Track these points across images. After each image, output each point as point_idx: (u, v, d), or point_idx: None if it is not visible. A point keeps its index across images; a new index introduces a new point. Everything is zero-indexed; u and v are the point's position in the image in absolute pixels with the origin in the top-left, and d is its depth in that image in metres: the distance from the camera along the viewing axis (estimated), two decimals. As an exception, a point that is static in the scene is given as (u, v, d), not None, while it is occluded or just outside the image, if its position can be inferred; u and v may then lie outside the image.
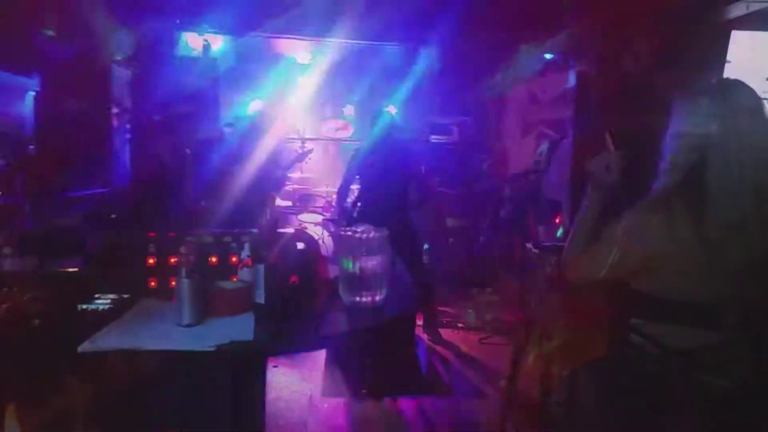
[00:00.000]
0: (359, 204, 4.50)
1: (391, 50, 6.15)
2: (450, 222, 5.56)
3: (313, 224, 6.20)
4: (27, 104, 3.83)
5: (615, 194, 1.76)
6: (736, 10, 3.64)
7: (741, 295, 1.55)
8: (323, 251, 5.39)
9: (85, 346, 1.49)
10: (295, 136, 7.10)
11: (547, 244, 4.36)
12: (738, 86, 1.66)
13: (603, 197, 1.74)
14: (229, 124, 4.52)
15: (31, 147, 3.82)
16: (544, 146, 5.36)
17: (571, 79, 4.78)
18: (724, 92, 1.61)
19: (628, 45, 4.52)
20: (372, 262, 1.90)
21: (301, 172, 6.72)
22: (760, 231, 1.51)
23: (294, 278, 1.85)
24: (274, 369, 3.80)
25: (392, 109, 5.87)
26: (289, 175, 5.95)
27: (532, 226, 5.17)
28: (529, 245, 4.59)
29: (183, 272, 1.67)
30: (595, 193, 1.75)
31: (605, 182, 1.72)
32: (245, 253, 1.92)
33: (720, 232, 1.51)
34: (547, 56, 5.34)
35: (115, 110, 4.88)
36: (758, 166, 1.53)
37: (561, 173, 4.48)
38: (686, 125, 1.61)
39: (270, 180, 3.51)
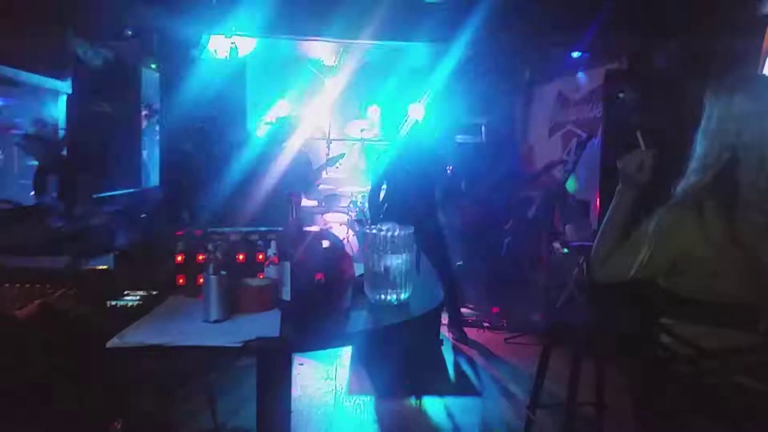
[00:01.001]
0: (386, 205, 4.51)
1: (417, 50, 6.14)
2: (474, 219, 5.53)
3: (339, 224, 6.22)
4: (60, 107, 3.92)
5: (646, 193, 1.72)
6: (771, 6, 3.55)
7: None
8: (348, 250, 5.42)
9: (113, 342, 1.51)
10: (321, 137, 7.16)
11: (574, 243, 4.32)
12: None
13: (634, 196, 1.70)
14: (268, 122, 4.56)
15: (64, 148, 3.91)
16: (572, 145, 5.30)
17: (601, 78, 4.72)
18: (758, 89, 1.57)
19: (659, 42, 4.46)
20: (397, 260, 1.90)
21: (326, 173, 6.75)
22: None
23: (320, 275, 1.86)
24: (300, 366, 3.84)
25: (418, 110, 5.87)
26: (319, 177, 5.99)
27: (558, 225, 5.12)
28: (556, 245, 4.55)
29: (210, 269, 1.69)
30: (625, 191, 1.71)
31: (637, 181, 1.69)
32: (272, 250, 1.93)
33: (752, 233, 1.48)
34: (576, 55, 5.28)
35: (144, 112, 4.98)
36: None
37: (590, 173, 4.42)
38: (717, 123, 1.57)
39: (298, 180, 3.54)
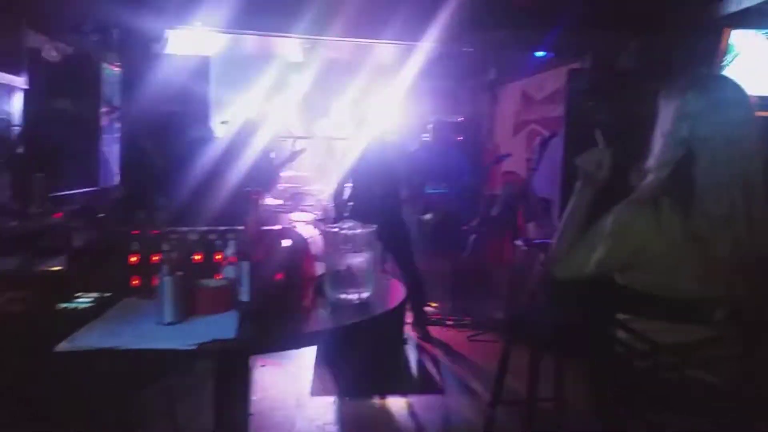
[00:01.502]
0: (351, 203, 4.50)
1: (384, 48, 6.14)
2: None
3: (305, 223, 6.18)
4: (15, 102, 3.80)
5: (604, 191, 1.75)
6: (729, 7, 3.64)
7: (729, 291, 1.55)
8: (313, 249, 5.38)
9: (62, 346, 1.47)
10: (287, 135, 7.09)
11: (537, 241, 4.36)
12: (722, 80, 1.65)
13: (592, 193, 1.73)
14: (225, 122, 4.49)
15: (19, 145, 3.79)
16: (536, 144, 5.36)
17: (564, 77, 4.78)
18: (709, 87, 1.60)
19: (621, 42, 4.54)
20: (358, 259, 1.89)
21: (293, 171, 6.69)
22: (748, 226, 1.50)
23: (280, 276, 1.83)
24: (262, 368, 3.79)
25: (384, 108, 5.86)
26: (281, 174, 5.92)
27: (521, 223, 5.17)
28: (519, 242, 4.59)
29: (165, 270, 1.65)
30: (584, 189, 1.73)
31: (595, 178, 1.71)
32: (230, 250, 1.90)
33: (707, 228, 1.50)
34: (540, 54, 5.34)
35: (104, 109, 4.86)
36: (745, 160, 1.52)
37: (552, 171, 4.47)
38: (672, 121, 1.60)
39: (258, 178, 3.49)
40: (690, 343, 1.58)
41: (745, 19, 3.54)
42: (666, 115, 1.63)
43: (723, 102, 1.55)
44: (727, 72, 3.47)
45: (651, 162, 1.64)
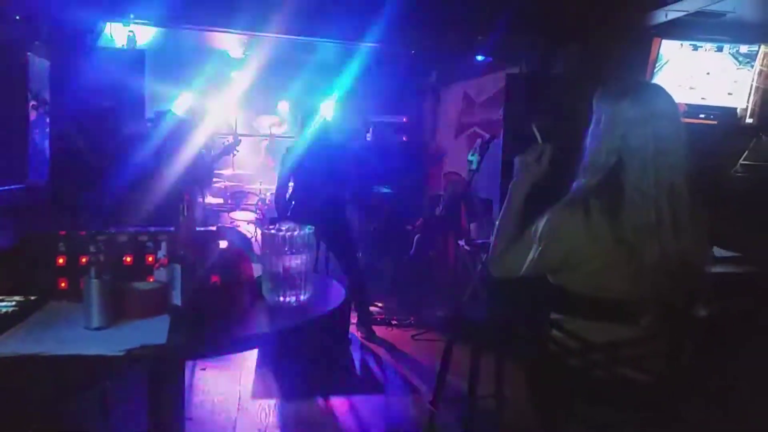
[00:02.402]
0: (293, 203, 4.44)
1: (327, 47, 6.09)
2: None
3: (246, 222, 6.08)
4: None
5: (542, 191, 1.79)
6: (656, 18, 3.79)
7: (657, 294, 1.61)
8: (256, 249, 5.30)
9: (-20, 353, 1.38)
10: (228, 131, 6.95)
11: (478, 241, 4.43)
12: (656, 90, 1.70)
13: (528, 188, 1.77)
14: (151, 120, 4.35)
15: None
16: (477, 146, 5.44)
17: (503, 81, 4.88)
18: (644, 96, 1.64)
19: (557, 47, 4.66)
20: (296, 261, 1.86)
21: (233, 169, 6.57)
22: (674, 234, 1.56)
23: (215, 278, 1.78)
24: (202, 372, 3.71)
25: (327, 106, 5.82)
26: (217, 170, 5.79)
27: (464, 224, 5.25)
28: (461, 242, 4.65)
29: (92, 272, 1.57)
30: (519, 184, 1.77)
31: (534, 171, 1.75)
32: (162, 252, 1.84)
33: (634, 234, 1.55)
34: (480, 58, 5.43)
35: (32, 102, 4.62)
36: (673, 171, 1.58)
37: (492, 172, 4.56)
38: (605, 127, 1.65)
39: (193, 176, 3.40)
40: (618, 342, 1.64)
41: (673, 29, 3.70)
42: (599, 119, 1.67)
43: (656, 113, 1.60)
44: (656, 80, 3.62)
45: (583, 165, 1.69)
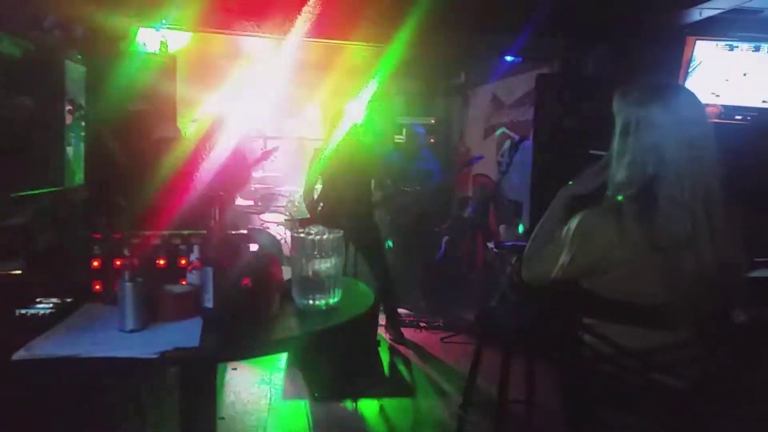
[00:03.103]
0: (321, 204, 4.46)
1: (355, 49, 6.11)
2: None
3: (276, 224, 6.13)
4: (-29, 100, 3.68)
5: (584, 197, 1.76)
6: (691, 16, 3.71)
7: (692, 299, 1.57)
8: (286, 251, 5.34)
9: (20, 354, 1.42)
10: (258, 135, 7.02)
11: (507, 243, 4.40)
12: (684, 93, 1.66)
13: (573, 200, 1.74)
14: (195, 121, 4.43)
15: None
16: (506, 147, 5.40)
17: (533, 82, 4.83)
18: (671, 100, 1.60)
19: (589, 48, 4.60)
20: (325, 264, 1.87)
21: (263, 171, 6.63)
22: (710, 241, 1.52)
23: (246, 281, 1.80)
24: (233, 371, 3.75)
25: (356, 109, 5.83)
26: (253, 174, 5.86)
27: (493, 226, 5.20)
28: (490, 245, 4.62)
29: (126, 275, 1.60)
30: (566, 194, 1.74)
31: (590, 185, 1.72)
32: (194, 255, 1.86)
33: (669, 243, 1.52)
34: (510, 59, 5.38)
35: (68, 107, 4.74)
36: (707, 175, 1.54)
37: (522, 174, 4.51)
38: (638, 136, 1.60)
39: (227, 179, 3.44)
40: (653, 348, 1.60)
41: (708, 28, 3.61)
42: (628, 126, 1.62)
43: (687, 119, 1.56)
44: (690, 81, 3.54)
45: (619, 178, 1.63)
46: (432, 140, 6.62)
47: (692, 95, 1.64)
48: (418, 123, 6.08)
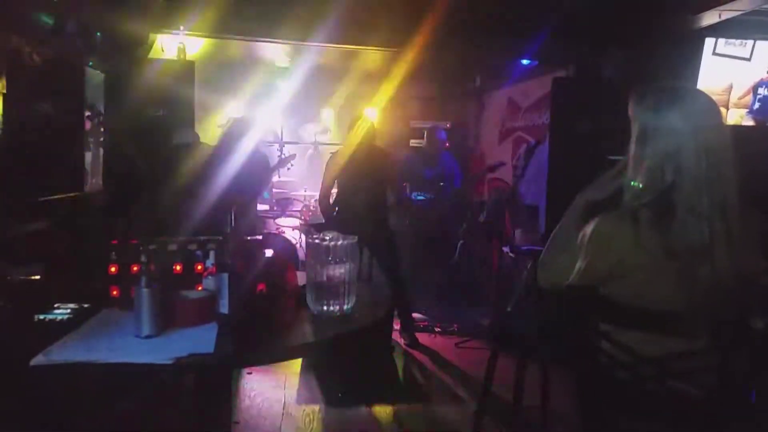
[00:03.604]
0: (336, 209, 4.47)
1: (371, 54, 6.13)
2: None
3: (292, 228, 6.15)
4: (-6, 107, 3.73)
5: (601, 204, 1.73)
6: (709, 19, 3.67)
7: (707, 308, 1.54)
8: (301, 256, 5.36)
9: (38, 360, 1.44)
10: (274, 140, 7.07)
11: (523, 248, 4.37)
12: (700, 97, 1.63)
13: (592, 206, 1.70)
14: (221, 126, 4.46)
15: (-1, 150, 3.73)
16: (521, 151, 5.37)
17: (549, 85, 4.81)
18: (688, 105, 1.58)
19: (605, 51, 4.57)
20: (340, 270, 1.87)
21: (279, 176, 6.67)
22: (727, 250, 1.50)
23: (261, 287, 1.81)
24: (249, 376, 3.76)
25: (371, 113, 5.85)
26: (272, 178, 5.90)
27: (508, 230, 5.18)
28: (506, 249, 4.60)
29: (143, 281, 1.62)
30: (590, 199, 1.71)
31: (608, 190, 1.69)
32: (210, 261, 1.88)
33: (686, 252, 1.50)
34: (526, 62, 5.36)
35: (88, 113, 4.80)
36: (724, 183, 1.52)
37: (538, 178, 4.49)
38: (655, 142, 1.58)
39: (244, 185, 3.47)
40: (671, 355, 1.58)
41: (727, 30, 3.57)
42: (645, 131, 1.60)
43: (704, 125, 1.53)
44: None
45: (635, 181, 1.61)
46: (447, 145, 6.62)
47: (710, 100, 1.61)
48: (441, 127, 6.05)
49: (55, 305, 1.83)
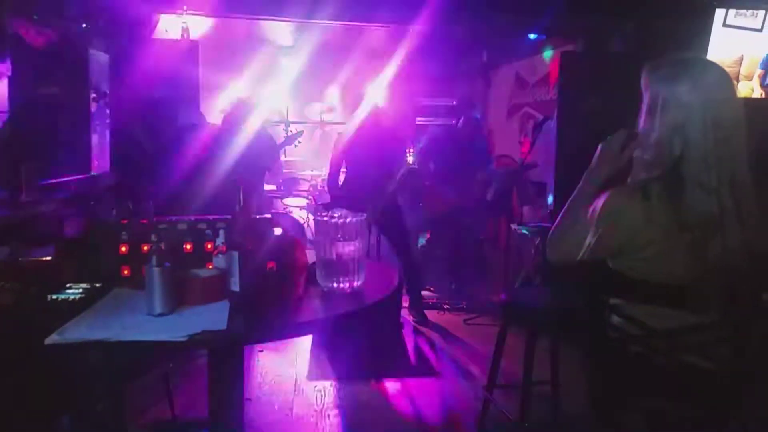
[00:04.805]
0: (345, 188, 4.47)
1: (376, 31, 6.07)
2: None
3: (299, 208, 6.16)
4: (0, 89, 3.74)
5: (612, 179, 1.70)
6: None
7: (721, 280, 1.54)
8: (309, 235, 5.37)
9: (52, 338, 1.45)
10: (280, 119, 7.05)
11: (531, 224, 4.36)
12: (712, 68, 1.60)
13: (607, 176, 1.67)
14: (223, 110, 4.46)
15: (6, 133, 3.74)
16: (529, 127, 5.32)
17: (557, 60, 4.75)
18: (699, 77, 1.55)
19: (613, 24, 4.50)
20: (349, 248, 1.87)
21: (285, 156, 6.66)
22: (737, 224, 1.49)
23: (271, 264, 1.82)
24: (260, 353, 3.81)
25: (377, 91, 5.80)
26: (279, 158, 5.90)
27: (516, 206, 5.16)
28: (514, 226, 4.59)
29: (153, 260, 1.63)
30: (598, 169, 1.65)
31: (616, 160, 1.65)
32: (220, 239, 1.88)
33: (696, 226, 1.49)
34: (533, 36, 5.29)
35: (93, 95, 4.79)
36: (734, 158, 1.50)
37: (546, 155, 4.46)
38: (665, 114, 1.55)
39: (251, 165, 3.47)
40: (682, 328, 1.58)
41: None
42: (655, 103, 1.58)
43: (714, 98, 1.51)
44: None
45: (646, 158, 1.59)
46: (453, 122, 6.57)
47: (722, 72, 1.58)
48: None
49: (67, 285, 1.84)
